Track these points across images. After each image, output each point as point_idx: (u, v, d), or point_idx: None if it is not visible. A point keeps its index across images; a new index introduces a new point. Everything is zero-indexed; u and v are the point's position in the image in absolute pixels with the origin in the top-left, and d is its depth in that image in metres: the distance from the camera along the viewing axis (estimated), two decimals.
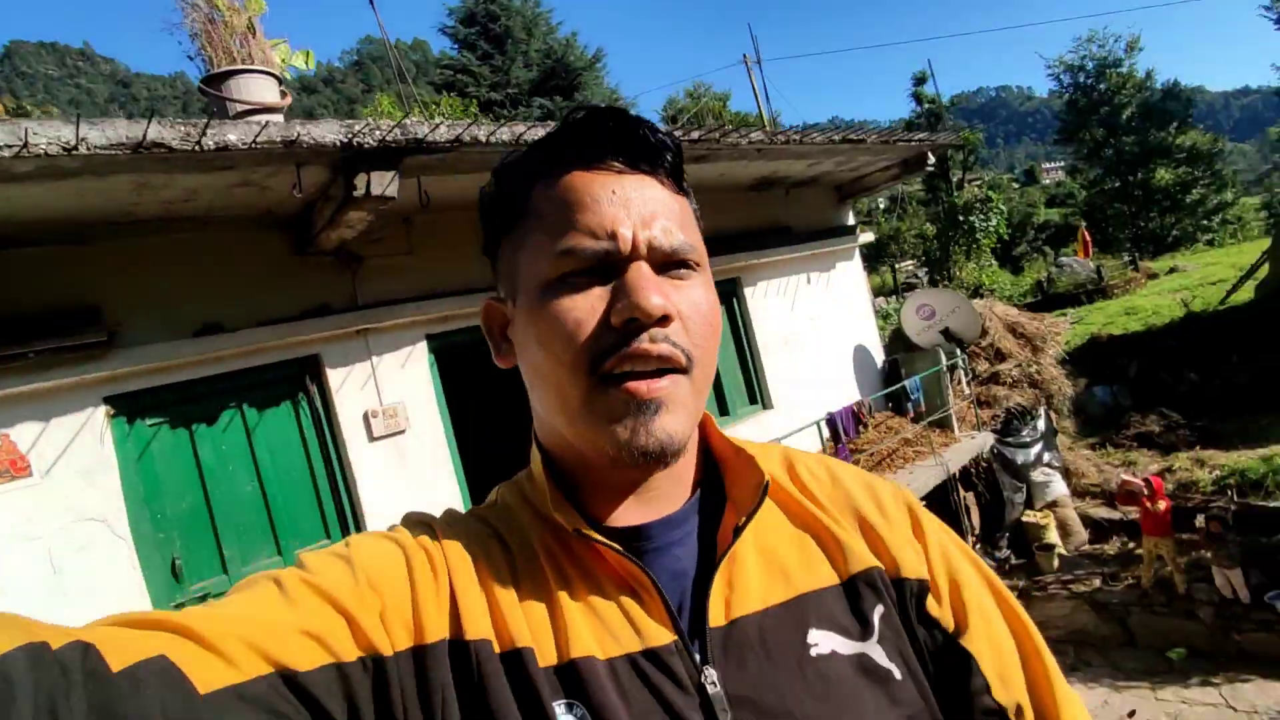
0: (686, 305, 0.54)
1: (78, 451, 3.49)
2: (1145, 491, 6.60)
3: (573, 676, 0.49)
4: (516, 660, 0.49)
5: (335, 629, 0.47)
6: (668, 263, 0.54)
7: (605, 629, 0.52)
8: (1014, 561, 7.62)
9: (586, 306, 0.52)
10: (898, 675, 0.54)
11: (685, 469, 0.60)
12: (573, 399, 0.53)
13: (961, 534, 7.19)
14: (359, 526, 4.25)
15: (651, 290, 0.51)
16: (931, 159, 7.40)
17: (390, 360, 4.60)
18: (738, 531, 0.56)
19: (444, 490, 4.68)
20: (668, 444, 0.52)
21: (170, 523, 3.78)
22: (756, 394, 6.89)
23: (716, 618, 0.54)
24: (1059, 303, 14.83)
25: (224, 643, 0.43)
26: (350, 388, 4.43)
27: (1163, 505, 6.55)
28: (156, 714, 0.38)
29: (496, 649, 0.50)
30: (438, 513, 0.63)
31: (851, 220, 8.33)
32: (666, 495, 0.58)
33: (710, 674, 0.51)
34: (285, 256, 4.26)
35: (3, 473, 3.21)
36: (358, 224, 3.80)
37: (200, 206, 3.65)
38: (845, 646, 0.54)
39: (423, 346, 4.78)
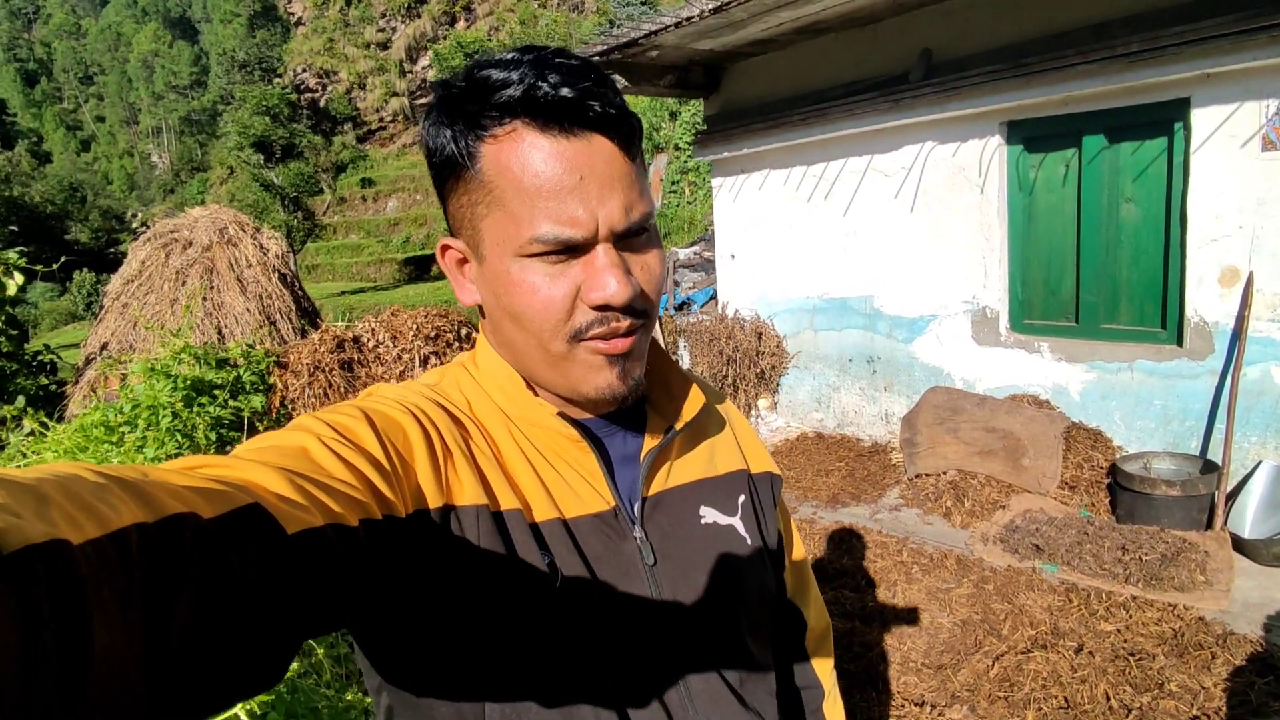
0: (644, 274, 0.60)
1: None
2: None
3: (545, 531, 0.61)
4: (515, 519, 0.59)
5: (379, 485, 0.50)
6: (627, 233, 0.58)
7: (571, 495, 0.64)
8: None
9: (559, 287, 0.57)
10: (749, 541, 0.74)
11: None
12: (553, 355, 0.60)
13: None
14: None
15: (618, 279, 0.56)
16: None
17: None
18: (669, 432, 0.69)
19: None
20: (635, 389, 0.63)
21: None
22: None
23: (647, 490, 0.68)
24: None
25: (292, 496, 0.43)
26: None
27: None
28: (251, 555, 0.37)
29: (493, 509, 0.58)
30: None
31: None
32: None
33: (638, 531, 0.66)
34: None
35: (1274, 143, 3.37)
36: None
37: None
38: (722, 519, 0.72)
39: None
